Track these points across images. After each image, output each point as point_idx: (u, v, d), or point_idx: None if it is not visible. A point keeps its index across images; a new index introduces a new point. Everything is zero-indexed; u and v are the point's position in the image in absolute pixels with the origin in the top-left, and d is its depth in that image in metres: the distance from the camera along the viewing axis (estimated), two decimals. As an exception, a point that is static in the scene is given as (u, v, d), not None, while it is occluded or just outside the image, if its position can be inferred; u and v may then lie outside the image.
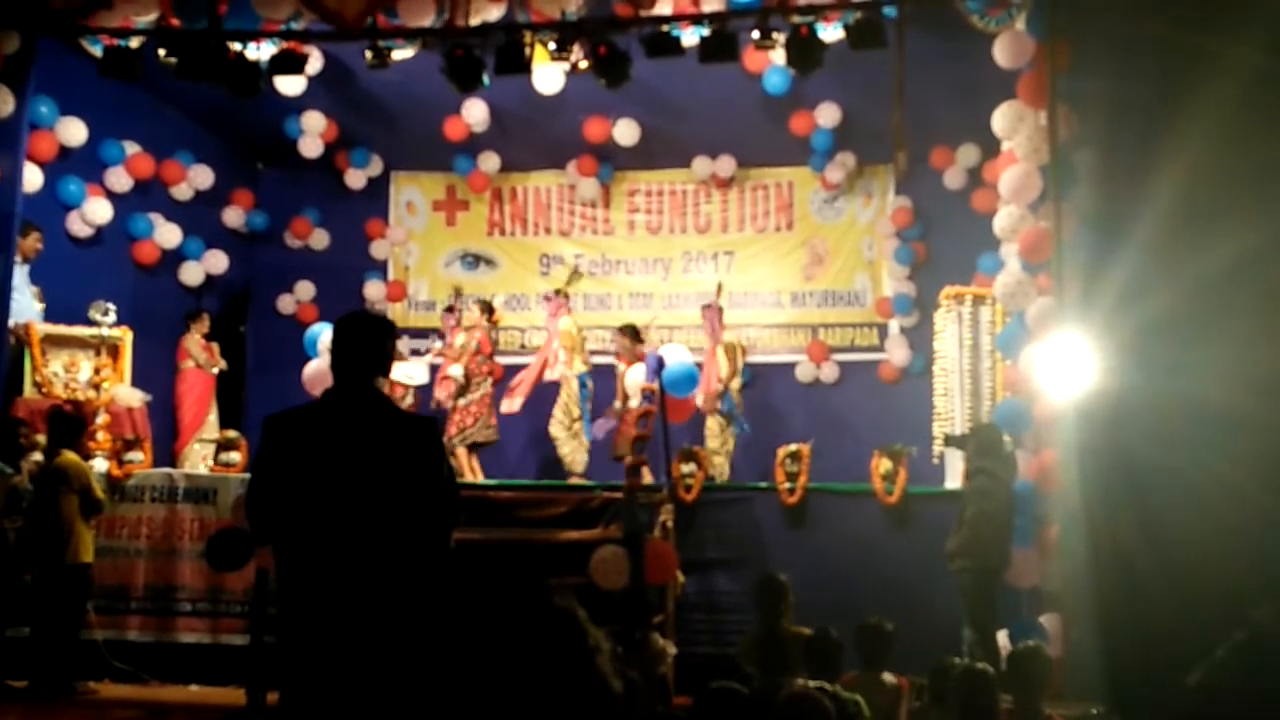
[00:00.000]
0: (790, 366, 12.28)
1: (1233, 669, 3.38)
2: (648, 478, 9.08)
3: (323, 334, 8.11)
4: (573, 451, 10.65)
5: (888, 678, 5.60)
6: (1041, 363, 7.56)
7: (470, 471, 10.40)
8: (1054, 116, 7.64)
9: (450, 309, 11.64)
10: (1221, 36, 6.06)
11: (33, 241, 9.38)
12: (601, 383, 10.91)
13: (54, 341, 9.40)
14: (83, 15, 8.56)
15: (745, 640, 6.46)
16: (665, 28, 8.38)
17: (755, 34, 8.32)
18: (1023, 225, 8.12)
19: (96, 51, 9.01)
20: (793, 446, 9.02)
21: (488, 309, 11.26)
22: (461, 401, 10.69)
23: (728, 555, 8.63)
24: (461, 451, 10.49)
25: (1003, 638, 7.39)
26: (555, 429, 10.74)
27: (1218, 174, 5.99)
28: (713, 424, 10.84)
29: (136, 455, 8.91)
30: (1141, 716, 5.81)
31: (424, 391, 11.26)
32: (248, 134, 12.17)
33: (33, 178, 9.60)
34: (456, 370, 10.76)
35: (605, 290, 12.68)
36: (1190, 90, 6.11)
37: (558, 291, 11.41)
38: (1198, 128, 5.99)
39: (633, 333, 10.65)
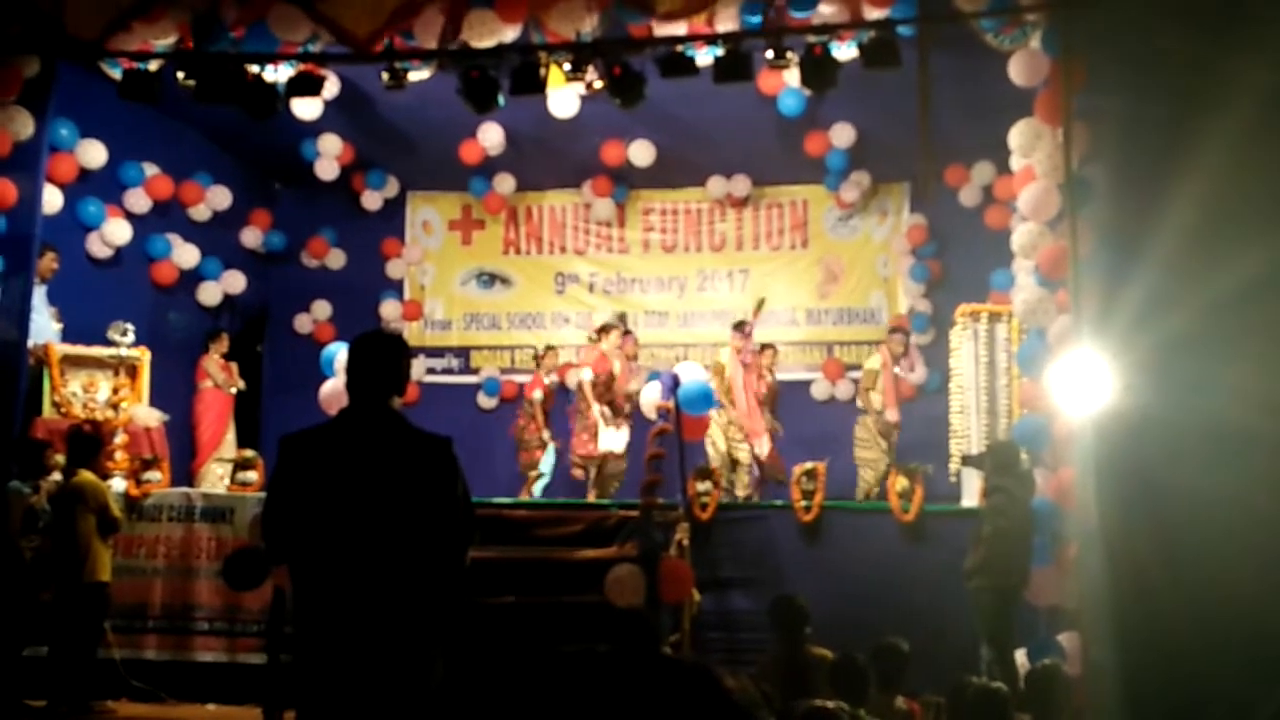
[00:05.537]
0: (806, 384, 12.26)
1: None
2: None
3: (339, 353, 8.13)
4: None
5: (900, 703, 5.57)
6: (1059, 380, 7.53)
7: None
8: (1070, 134, 7.62)
9: (626, 332, 11.40)
10: (1238, 54, 6.04)
11: (48, 262, 9.40)
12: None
13: (72, 362, 9.43)
14: (102, 39, 8.63)
15: (765, 660, 6.43)
16: (679, 48, 8.39)
17: (769, 54, 8.33)
18: (1042, 242, 8.09)
19: (116, 75, 9.08)
20: (808, 464, 9.00)
21: (601, 330, 11.08)
22: None
23: (744, 574, 8.60)
24: None
25: (1021, 656, 7.35)
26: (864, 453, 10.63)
27: (1234, 191, 5.96)
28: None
29: (154, 475, 8.95)
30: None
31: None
32: (265, 156, 12.25)
33: (53, 199, 9.67)
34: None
35: (620, 309, 12.68)
36: (1207, 107, 6.09)
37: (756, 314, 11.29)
38: (1214, 145, 5.97)
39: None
